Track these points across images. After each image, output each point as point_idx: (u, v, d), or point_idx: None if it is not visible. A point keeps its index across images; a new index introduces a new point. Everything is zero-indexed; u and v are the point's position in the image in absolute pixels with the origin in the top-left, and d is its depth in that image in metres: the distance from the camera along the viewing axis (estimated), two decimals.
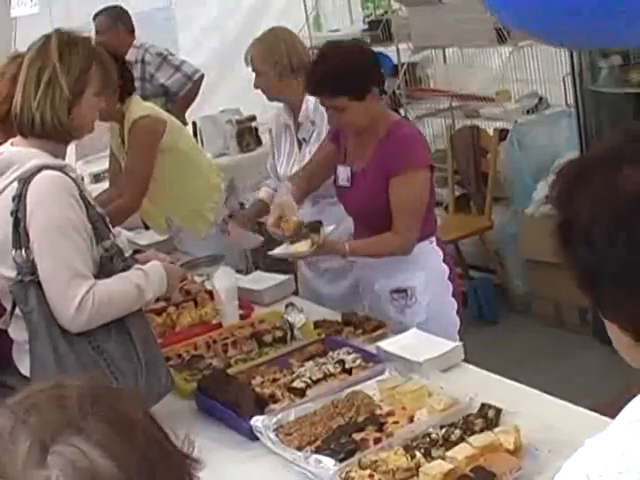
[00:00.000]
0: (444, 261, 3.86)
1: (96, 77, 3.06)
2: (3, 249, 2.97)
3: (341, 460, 2.70)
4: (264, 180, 4.99)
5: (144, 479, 1.01)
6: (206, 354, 3.65)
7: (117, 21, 6.78)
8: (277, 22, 7.54)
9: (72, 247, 2.91)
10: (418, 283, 3.79)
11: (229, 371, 3.43)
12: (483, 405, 2.85)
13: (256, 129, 7.48)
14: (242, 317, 3.95)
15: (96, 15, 6.81)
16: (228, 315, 3.89)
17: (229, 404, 3.16)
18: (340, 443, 2.80)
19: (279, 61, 4.47)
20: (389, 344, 3.43)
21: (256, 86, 4.60)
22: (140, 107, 4.83)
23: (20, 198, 2.89)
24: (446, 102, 7.15)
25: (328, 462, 2.69)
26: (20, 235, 2.89)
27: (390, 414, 2.96)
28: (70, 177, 2.98)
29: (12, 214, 2.90)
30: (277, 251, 3.83)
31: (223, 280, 3.87)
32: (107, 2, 6.98)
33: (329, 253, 3.85)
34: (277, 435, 2.94)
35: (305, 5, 7.99)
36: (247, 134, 7.35)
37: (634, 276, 1.36)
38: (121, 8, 6.86)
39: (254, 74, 4.59)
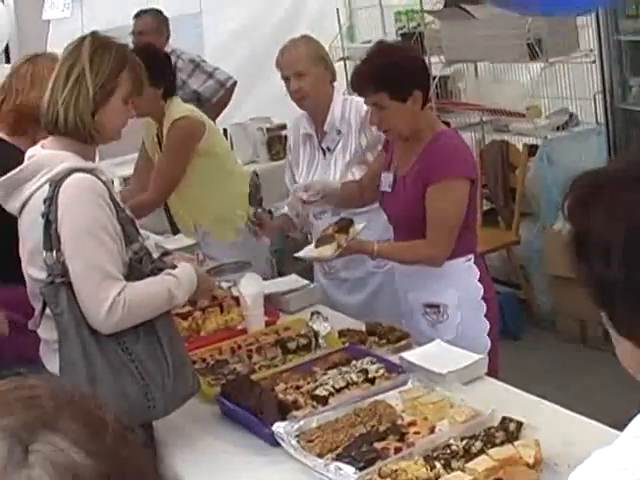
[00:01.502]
0: (480, 280, 3.81)
1: (126, 83, 3.08)
2: (34, 251, 3.01)
3: (361, 468, 2.72)
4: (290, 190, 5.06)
5: (119, 477, 1.01)
6: (230, 359, 3.67)
7: (162, 24, 6.83)
8: (309, 32, 7.60)
9: (102, 249, 2.94)
10: (450, 300, 3.77)
11: (253, 377, 3.46)
12: (504, 418, 2.86)
13: (286, 138, 7.50)
14: (267, 324, 3.98)
15: (139, 15, 6.86)
16: (254, 321, 3.92)
17: (252, 409, 3.18)
18: (361, 451, 2.83)
19: (328, 62, 4.50)
20: (412, 355, 3.44)
21: (297, 88, 4.50)
22: (181, 108, 4.91)
23: (52, 200, 2.92)
24: (476, 116, 7.17)
25: (348, 470, 2.71)
26: (51, 237, 2.92)
27: (412, 424, 2.98)
28: (100, 180, 3.01)
29: (43, 216, 2.93)
30: (302, 253, 3.85)
31: (249, 286, 3.90)
32: (140, 5, 7.04)
33: (356, 253, 3.83)
34: (298, 441, 2.96)
35: (338, 16, 8.03)
36: (277, 142, 7.39)
37: None
38: (163, 13, 6.92)
39: (293, 77, 4.50)
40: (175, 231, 5.53)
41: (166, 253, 3.36)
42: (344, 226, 3.75)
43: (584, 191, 1.45)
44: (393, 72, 3.66)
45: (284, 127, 7.52)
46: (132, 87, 3.11)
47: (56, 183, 2.93)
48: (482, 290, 3.81)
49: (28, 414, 1.00)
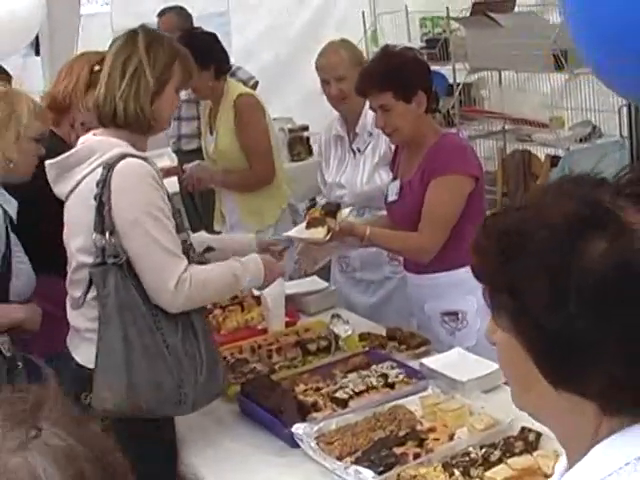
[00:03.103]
0: None
1: (178, 73, 3.15)
2: (83, 234, 3.05)
3: (380, 473, 2.74)
4: (313, 189, 5.10)
5: (106, 461, 1.06)
6: (250, 358, 3.70)
7: (186, 22, 6.85)
8: (334, 36, 7.62)
9: (163, 229, 3.00)
10: (469, 307, 3.77)
11: (273, 377, 3.48)
12: (523, 428, 2.87)
13: (307, 139, 7.54)
14: (287, 324, 4.00)
15: (163, 12, 6.89)
16: (274, 322, 3.95)
17: (272, 410, 3.20)
18: (380, 456, 2.84)
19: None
20: (432, 361, 3.46)
21: (337, 92, 4.56)
22: (241, 86, 5.12)
23: (104, 183, 2.97)
24: (499, 124, 7.17)
25: (367, 474, 2.73)
26: (103, 219, 2.96)
27: (431, 430, 2.99)
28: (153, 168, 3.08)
29: (96, 198, 2.97)
30: (293, 233, 3.84)
31: (272, 287, 3.90)
32: (167, 2, 7.06)
33: (348, 235, 3.79)
34: (318, 443, 2.98)
35: (364, 20, 8.04)
36: (298, 143, 7.40)
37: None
38: (186, 10, 6.94)
39: (334, 81, 4.56)
40: (195, 229, 5.57)
41: (209, 249, 3.38)
42: (332, 210, 3.77)
43: (511, 240, 1.33)
44: (397, 73, 3.73)
45: (306, 128, 7.56)
46: (183, 77, 3.19)
47: (109, 166, 2.98)
48: None
49: (17, 407, 1.04)
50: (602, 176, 1.34)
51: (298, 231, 3.81)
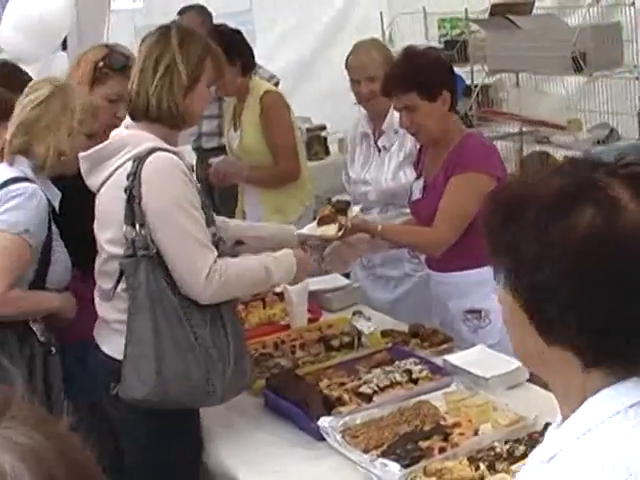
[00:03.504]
0: None
1: (209, 68, 3.21)
2: (114, 226, 3.10)
3: (406, 466, 2.77)
4: (330, 189, 5.14)
5: (74, 459, 1.05)
6: (274, 353, 3.73)
7: (206, 20, 6.88)
8: (353, 37, 7.65)
9: (193, 221, 3.05)
10: (493, 305, 3.76)
11: (297, 372, 3.51)
12: (547, 424, 2.89)
13: (325, 138, 7.58)
14: (310, 320, 4.04)
15: (183, 11, 6.92)
16: (297, 318, 3.98)
17: (297, 403, 3.24)
18: (406, 449, 2.87)
19: None
20: (456, 358, 3.49)
21: (368, 92, 4.58)
22: (267, 84, 5.18)
23: (135, 176, 3.01)
24: (516, 126, 7.19)
25: (394, 467, 2.76)
26: (133, 212, 3.01)
27: (456, 425, 3.02)
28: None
29: (126, 191, 3.02)
30: (305, 231, 3.85)
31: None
32: (186, 1, 7.09)
33: (360, 232, 3.81)
34: (344, 437, 3.01)
35: (382, 21, 8.08)
36: (316, 143, 7.44)
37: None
38: (207, 9, 6.97)
39: (364, 80, 4.59)
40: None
41: (239, 242, 3.43)
42: (342, 208, 3.80)
43: (511, 209, 1.48)
44: (422, 72, 3.76)
45: (324, 128, 7.60)
46: (215, 72, 3.25)
47: (140, 159, 3.03)
48: None
49: None
50: (601, 159, 1.51)
51: (310, 229, 3.83)
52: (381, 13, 8.12)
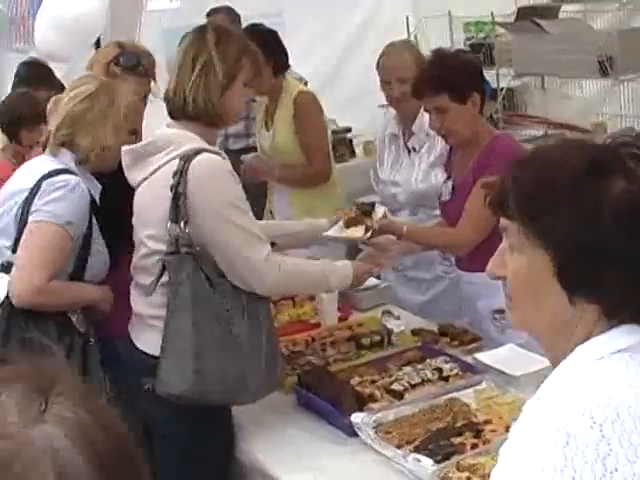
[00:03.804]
0: None
1: (247, 67, 3.25)
2: (156, 222, 3.16)
3: (439, 461, 2.80)
4: (356, 191, 5.19)
5: (116, 433, 1.11)
6: (305, 351, 3.78)
7: (235, 22, 6.91)
8: (379, 40, 7.67)
9: (246, 216, 3.14)
10: None
11: (328, 369, 3.56)
12: None
13: (350, 140, 7.61)
14: (340, 319, 4.08)
15: (210, 13, 6.95)
16: (328, 316, 4.02)
17: (329, 400, 3.28)
18: (439, 445, 2.91)
19: None
20: (486, 357, 3.52)
21: (400, 93, 4.60)
22: (300, 85, 5.23)
23: (181, 174, 3.06)
24: (542, 129, 7.20)
25: (427, 462, 2.80)
26: (179, 209, 3.06)
27: (487, 422, 3.05)
28: None
29: (172, 189, 3.07)
30: (331, 232, 3.87)
31: None
32: (218, 2, 7.12)
33: (386, 233, 3.84)
34: (376, 433, 3.05)
35: (408, 24, 8.11)
36: (342, 145, 7.46)
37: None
38: (235, 11, 7.00)
39: (396, 82, 4.62)
40: None
41: (272, 244, 3.48)
42: (367, 210, 3.83)
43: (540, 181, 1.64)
44: (453, 74, 3.80)
45: (349, 130, 7.64)
46: (252, 71, 3.29)
47: (186, 158, 3.08)
48: None
49: (33, 381, 1.09)
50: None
51: (336, 231, 3.85)
52: (407, 17, 8.15)
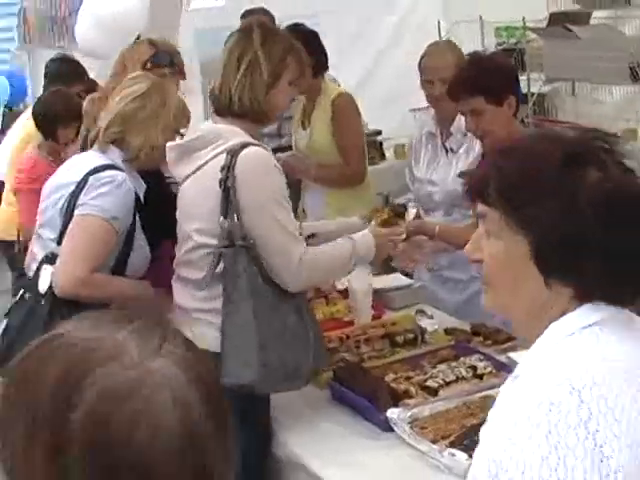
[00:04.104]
0: None
1: (292, 66, 3.32)
2: (205, 217, 3.22)
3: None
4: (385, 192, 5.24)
5: (212, 373, 1.30)
6: (339, 348, 3.82)
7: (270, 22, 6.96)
8: (410, 45, 7.72)
9: (286, 213, 3.20)
10: None
11: (363, 365, 3.61)
12: None
13: (381, 143, 7.66)
14: (373, 318, 4.12)
15: (246, 14, 7.00)
16: (362, 314, 4.07)
17: (365, 395, 3.32)
18: (474, 440, 2.92)
19: None
20: (519, 356, 3.55)
21: (440, 93, 4.55)
22: (338, 86, 5.26)
23: (229, 169, 3.12)
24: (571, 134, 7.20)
25: (462, 456, 2.83)
26: (230, 203, 3.12)
27: None
28: None
29: (221, 183, 3.13)
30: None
31: (360, 280, 4.02)
32: (253, 3, 7.15)
33: (419, 234, 3.90)
34: (412, 428, 3.10)
35: (439, 28, 8.15)
36: (372, 147, 7.48)
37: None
38: (270, 12, 7.04)
39: (437, 82, 4.60)
40: None
41: (312, 235, 3.53)
42: (400, 212, 3.87)
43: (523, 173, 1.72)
44: (490, 77, 3.83)
45: (379, 133, 7.68)
46: (297, 70, 3.35)
47: (234, 152, 3.13)
48: None
49: (150, 324, 1.27)
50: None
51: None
52: (438, 21, 8.19)
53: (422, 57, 4.78)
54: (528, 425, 1.53)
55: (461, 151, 4.64)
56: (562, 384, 1.54)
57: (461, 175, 4.06)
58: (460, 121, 4.54)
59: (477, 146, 4.49)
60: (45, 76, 6.84)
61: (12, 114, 8.97)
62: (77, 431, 1.16)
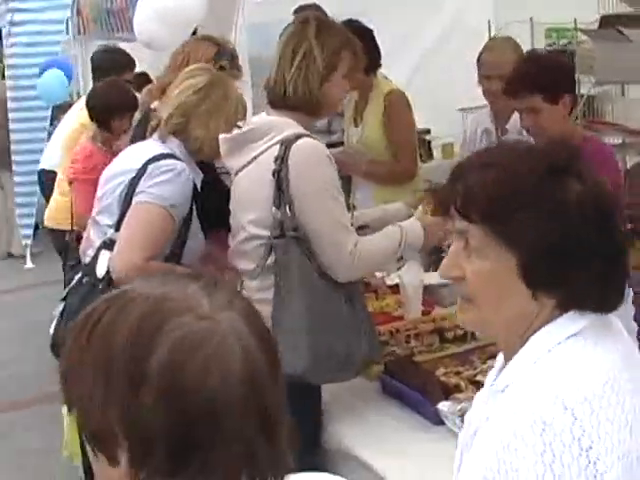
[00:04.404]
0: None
1: (347, 59, 3.33)
2: (258, 207, 3.26)
3: None
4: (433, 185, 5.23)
5: (267, 329, 1.45)
6: (389, 342, 3.84)
7: None
8: (460, 45, 7.72)
9: (339, 205, 3.22)
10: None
11: (414, 359, 3.63)
12: None
13: (429, 142, 7.66)
14: (423, 313, 4.14)
15: (299, 10, 7.02)
16: (412, 309, 4.08)
17: (416, 388, 3.35)
18: None
19: None
20: None
21: (497, 89, 4.54)
22: (391, 83, 5.30)
23: (282, 160, 3.15)
24: (620, 137, 7.19)
25: None
26: (282, 194, 3.15)
27: None
28: None
29: (274, 174, 3.16)
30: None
31: (412, 275, 4.05)
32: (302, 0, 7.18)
33: None
34: (462, 421, 3.10)
35: (489, 28, 8.13)
36: (420, 146, 7.49)
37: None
38: (322, 9, 7.06)
39: (496, 78, 4.60)
40: None
41: (364, 226, 3.56)
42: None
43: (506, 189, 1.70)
44: (546, 75, 3.84)
45: (428, 132, 7.69)
46: (352, 63, 3.37)
47: (287, 144, 3.17)
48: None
49: (213, 280, 1.41)
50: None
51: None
52: (489, 21, 8.18)
53: (481, 52, 4.78)
54: (522, 445, 1.54)
55: None
56: (555, 403, 1.55)
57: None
58: (516, 119, 4.55)
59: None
60: (93, 67, 6.93)
61: (59, 105, 9.07)
62: (153, 377, 1.25)
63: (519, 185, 1.67)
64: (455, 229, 1.76)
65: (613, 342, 1.71)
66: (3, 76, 10.57)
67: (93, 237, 3.65)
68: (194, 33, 5.22)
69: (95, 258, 3.50)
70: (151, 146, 3.58)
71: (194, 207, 3.56)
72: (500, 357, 1.88)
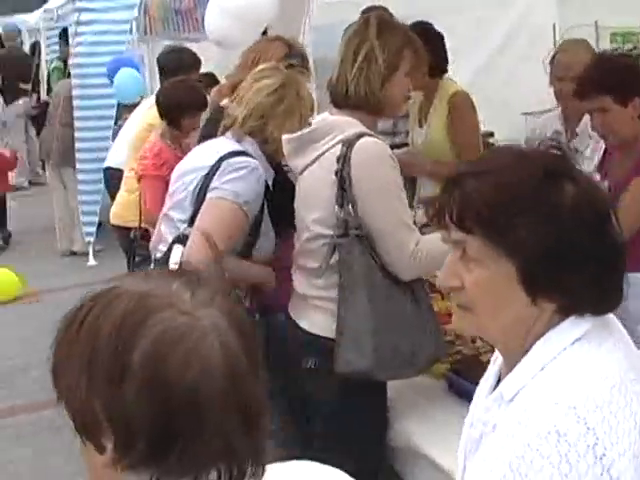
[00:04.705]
0: None
1: (408, 58, 3.33)
2: (321, 207, 3.28)
3: None
4: None
5: (250, 326, 1.44)
6: (455, 341, 3.86)
7: None
8: (525, 48, 7.71)
9: (402, 204, 3.23)
10: None
11: (480, 358, 3.64)
12: None
13: (493, 145, 7.63)
14: None
15: (366, 11, 7.03)
16: None
17: None
18: None
19: None
20: None
21: (569, 90, 4.45)
22: (456, 85, 5.27)
23: (345, 159, 3.17)
24: None
25: None
26: (345, 193, 3.17)
27: None
28: None
29: (337, 173, 3.18)
30: None
31: None
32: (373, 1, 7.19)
33: None
34: None
35: (554, 32, 8.10)
36: (484, 149, 7.48)
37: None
38: (389, 11, 7.07)
39: (569, 79, 4.59)
40: None
41: (426, 225, 3.59)
42: None
43: (504, 195, 1.69)
44: (617, 77, 3.82)
45: (492, 134, 7.67)
46: (414, 63, 3.37)
47: (349, 143, 3.18)
48: None
49: (198, 276, 1.45)
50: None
51: None
52: (554, 25, 8.15)
53: (555, 53, 4.77)
54: (538, 457, 1.54)
55: (587, 152, 4.62)
56: (568, 414, 1.56)
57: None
58: (587, 122, 4.54)
59: (599, 150, 4.48)
60: (160, 67, 6.99)
61: (125, 104, 9.15)
62: (136, 369, 1.31)
63: (519, 190, 1.67)
64: (451, 240, 1.75)
65: (615, 341, 1.72)
66: (69, 75, 10.67)
67: (165, 232, 3.69)
68: (264, 33, 5.26)
69: (168, 252, 3.55)
70: (224, 143, 3.61)
71: (265, 205, 3.58)
72: (495, 360, 1.91)
